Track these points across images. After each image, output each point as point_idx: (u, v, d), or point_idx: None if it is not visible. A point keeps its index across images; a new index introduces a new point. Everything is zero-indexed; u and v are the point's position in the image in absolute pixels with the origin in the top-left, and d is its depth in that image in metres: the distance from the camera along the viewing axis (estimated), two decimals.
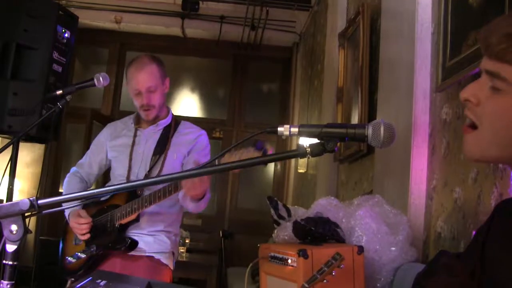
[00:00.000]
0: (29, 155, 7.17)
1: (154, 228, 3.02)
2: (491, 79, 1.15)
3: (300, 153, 1.19)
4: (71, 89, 2.73)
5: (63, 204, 3.06)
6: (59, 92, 2.71)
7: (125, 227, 2.94)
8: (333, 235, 2.78)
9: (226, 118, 8.18)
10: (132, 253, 2.95)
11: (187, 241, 6.33)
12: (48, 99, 3.25)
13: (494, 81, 1.14)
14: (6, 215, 1.18)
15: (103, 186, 1.32)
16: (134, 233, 2.98)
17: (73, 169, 3.27)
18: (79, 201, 1.31)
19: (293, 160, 7.22)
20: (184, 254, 6.02)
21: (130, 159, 3.05)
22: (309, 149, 1.19)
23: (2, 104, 3.39)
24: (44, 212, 1.22)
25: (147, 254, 3.00)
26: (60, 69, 3.62)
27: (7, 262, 1.19)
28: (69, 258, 3.04)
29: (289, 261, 2.67)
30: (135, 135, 3.12)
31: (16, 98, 3.42)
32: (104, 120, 7.83)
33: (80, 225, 2.88)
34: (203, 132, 3.17)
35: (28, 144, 6.79)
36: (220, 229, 5.24)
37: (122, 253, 2.95)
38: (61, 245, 3.22)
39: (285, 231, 2.94)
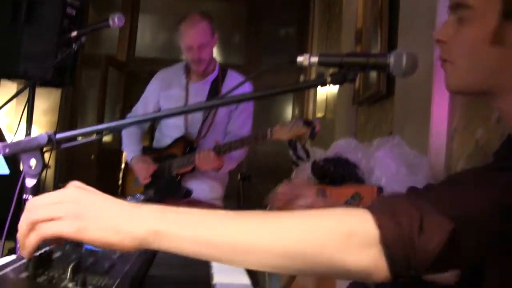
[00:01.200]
0: (45, 103, 7.18)
1: (208, 176, 3.28)
2: (456, 12, 1.17)
3: (320, 81, 1.17)
4: (86, 30, 2.70)
5: (124, 144, 3.42)
6: (74, 34, 2.69)
7: (181, 176, 3.23)
8: (352, 175, 2.78)
9: (243, 63, 8.12)
10: (190, 199, 3.24)
11: None
12: (63, 42, 3.23)
13: (459, 12, 1.16)
14: (25, 149, 1.18)
15: (122, 119, 1.31)
16: (189, 182, 3.27)
17: (129, 116, 3.47)
18: (97, 134, 1.31)
19: (311, 105, 7.18)
20: None
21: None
22: (329, 78, 1.17)
23: (16, 49, 3.38)
24: (62, 146, 1.22)
25: (203, 201, 3.31)
26: (74, 12, 3.59)
27: (27, 196, 1.20)
28: (129, 197, 3.21)
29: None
30: (186, 88, 3.33)
31: (30, 42, 3.40)
32: (120, 66, 7.82)
33: (147, 171, 3.22)
34: (249, 86, 3.37)
35: (44, 92, 6.79)
36: (238, 173, 5.24)
37: (178, 201, 3.20)
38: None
39: (304, 172, 2.94)
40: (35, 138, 1.18)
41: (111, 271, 0.91)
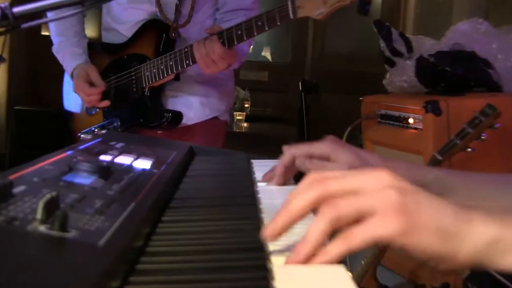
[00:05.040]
0: None
1: (203, 88, 3.04)
2: None
3: None
4: None
5: (57, 44, 3.05)
6: None
7: (158, 90, 2.96)
8: (481, 78, 2.74)
9: None
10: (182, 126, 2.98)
11: (246, 105, 6.34)
12: None
13: None
14: None
15: None
16: (174, 99, 3.01)
17: None
18: (69, 8, 1.29)
19: None
20: (242, 125, 6.08)
21: None
22: None
23: None
24: (22, 26, 1.21)
25: (196, 122, 3.05)
26: None
27: None
28: (82, 135, 3.03)
29: (410, 120, 2.64)
30: None
31: None
32: None
33: (88, 96, 2.94)
34: None
35: None
36: (297, 81, 5.16)
37: (163, 132, 2.98)
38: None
39: (403, 74, 2.89)
40: None
41: (107, 211, 0.92)
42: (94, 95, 2.92)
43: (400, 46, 3.00)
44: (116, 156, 1.38)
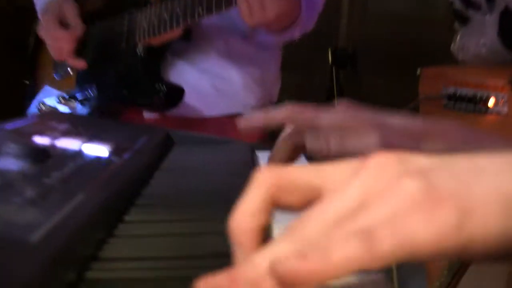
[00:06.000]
0: None
1: (223, 63, 2.91)
2: None
3: None
4: None
5: None
6: None
7: (157, 52, 2.80)
8: None
9: None
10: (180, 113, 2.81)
11: None
12: None
13: None
14: None
15: None
16: (175, 66, 2.85)
17: None
18: None
19: None
20: None
21: None
22: None
23: None
24: None
25: (207, 116, 2.91)
26: None
27: None
28: (43, 104, 3.05)
29: (491, 101, 2.63)
30: None
31: None
32: None
33: (56, 42, 2.88)
34: None
35: None
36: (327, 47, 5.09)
37: (155, 111, 2.85)
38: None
39: (480, 34, 2.88)
40: None
41: (43, 202, 0.91)
42: (65, 40, 2.83)
43: None
44: (57, 138, 1.36)
